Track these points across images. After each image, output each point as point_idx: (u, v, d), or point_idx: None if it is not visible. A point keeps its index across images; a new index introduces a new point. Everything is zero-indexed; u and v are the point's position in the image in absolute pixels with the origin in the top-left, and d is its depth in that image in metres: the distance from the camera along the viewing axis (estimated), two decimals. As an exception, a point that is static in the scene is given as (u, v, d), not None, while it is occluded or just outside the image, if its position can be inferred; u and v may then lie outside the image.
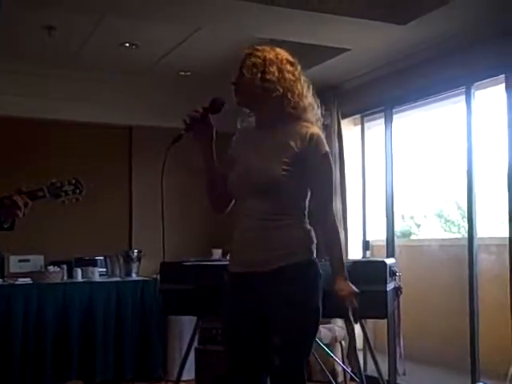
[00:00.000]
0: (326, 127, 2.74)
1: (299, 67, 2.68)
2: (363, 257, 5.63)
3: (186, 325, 5.51)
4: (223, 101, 2.62)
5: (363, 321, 4.19)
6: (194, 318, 4.17)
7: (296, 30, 4.51)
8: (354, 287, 2.58)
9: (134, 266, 6.08)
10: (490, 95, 4.99)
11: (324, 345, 4.58)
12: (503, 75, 4.48)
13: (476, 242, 4.79)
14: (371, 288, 3.62)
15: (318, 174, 2.58)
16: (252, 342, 2.60)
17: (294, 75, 2.63)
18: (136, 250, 6.16)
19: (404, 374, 4.72)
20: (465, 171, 4.84)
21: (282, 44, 5.00)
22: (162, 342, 5.85)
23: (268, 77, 2.57)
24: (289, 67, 2.63)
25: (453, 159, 5.80)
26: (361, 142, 6.07)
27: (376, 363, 4.14)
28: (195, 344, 4.20)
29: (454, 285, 5.39)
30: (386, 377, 4.80)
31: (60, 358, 5.48)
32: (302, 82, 2.66)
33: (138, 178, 6.59)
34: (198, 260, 4.39)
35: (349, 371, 5.02)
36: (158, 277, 4.29)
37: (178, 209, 6.47)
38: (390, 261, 3.94)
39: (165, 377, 5.72)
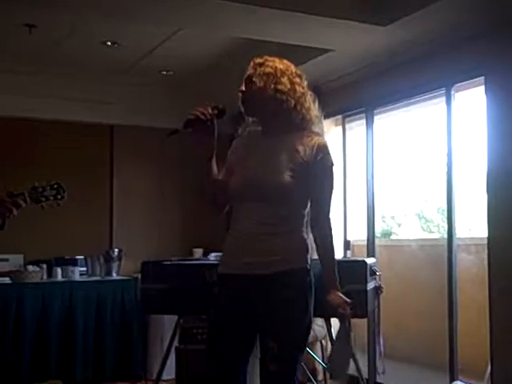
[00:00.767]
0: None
1: (305, 81, 2.71)
2: (344, 256, 5.66)
3: (166, 324, 5.50)
4: (225, 109, 2.63)
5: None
6: (175, 318, 4.17)
7: (279, 31, 4.52)
8: (346, 298, 2.63)
9: (115, 266, 6.06)
10: (469, 97, 5.04)
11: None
12: (483, 77, 4.53)
13: (455, 242, 4.83)
14: (352, 287, 3.63)
15: (322, 184, 2.62)
16: (237, 346, 2.60)
17: (303, 88, 2.67)
18: (116, 250, 6.14)
19: (384, 373, 4.75)
20: (445, 172, 4.88)
21: (264, 44, 5.05)
22: (143, 341, 5.84)
23: (280, 87, 2.60)
24: (298, 80, 2.67)
25: (433, 160, 5.85)
26: (342, 142, 6.10)
27: (356, 362, 4.16)
28: (176, 343, 4.20)
29: (433, 284, 5.43)
30: (365, 375, 4.83)
31: (39, 357, 5.45)
32: (309, 95, 2.69)
33: (119, 178, 6.57)
34: (178, 259, 4.38)
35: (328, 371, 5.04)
36: (139, 276, 4.28)
37: (158, 209, 6.47)
38: (370, 260, 3.96)
39: (145, 376, 5.71)
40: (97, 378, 5.65)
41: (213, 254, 4.46)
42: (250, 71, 2.64)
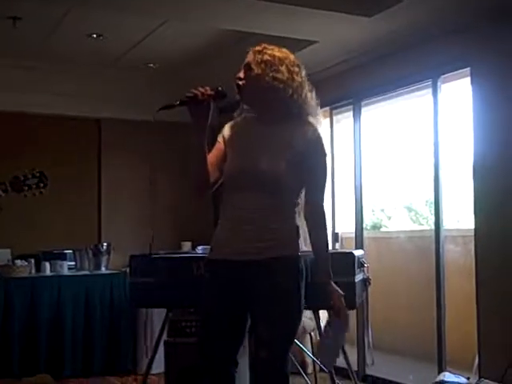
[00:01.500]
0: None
1: (303, 71, 2.69)
2: (332, 249, 5.67)
3: (155, 318, 5.49)
4: (225, 93, 2.59)
5: (331, 312, 4.21)
6: (164, 311, 4.17)
7: (264, 22, 4.51)
8: (339, 291, 2.68)
9: (104, 260, 6.04)
10: (455, 88, 5.05)
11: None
12: (468, 68, 4.54)
13: (443, 234, 4.85)
14: (340, 279, 3.60)
15: (316, 174, 2.63)
16: (228, 333, 2.61)
17: (301, 77, 2.65)
18: (105, 244, 6.11)
19: (373, 364, 4.79)
20: (432, 163, 4.90)
21: (249, 36, 5.04)
22: (132, 335, 5.83)
23: (278, 76, 2.58)
24: (296, 69, 2.65)
25: (420, 152, 5.87)
26: (330, 134, 6.09)
27: (345, 354, 4.17)
28: (164, 337, 4.19)
29: (421, 276, 5.46)
30: (354, 367, 4.85)
31: (28, 351, 5.43)
32: (307, 85, 2.68)
33: (107, 171, 6.55)
34: (166, 253, 4.37)
35: (318, 362, 5.05)
36: (128, 270, 4.26)
37: (147, 202, 6.44)
38: (358, 252, 3.96)
39: (134, 370, 5.70)
40: (86, 372, 5.64)
41: (200, 247, 4.45)
42: (248, 58, 2.63)
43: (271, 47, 2.65)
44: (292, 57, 2.68)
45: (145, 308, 5.45)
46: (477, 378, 4.12)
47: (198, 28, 5.10)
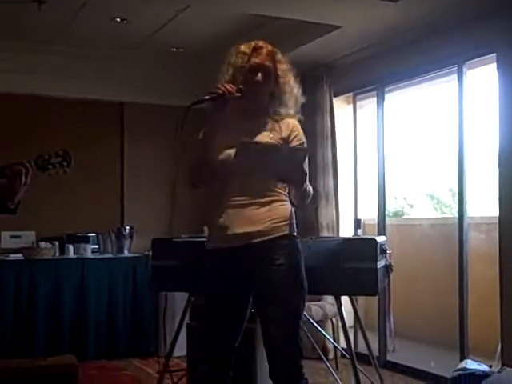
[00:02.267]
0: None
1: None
2: (354, 235, 5.66)
3: (177, 301, 5.53)
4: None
5: (354, 298, 4.22)
6: (186, 295, 4.19)
7: (287, 7, 4.48)
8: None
9: (126, 243, 6.09)
10: (481, 74, 4.99)
11: (315, 322, 4.61)
12: (494, 54, 4.48)
13: (466, 221, 4.81)
14: (362, 265, 3.64)
15: None
16: (233, 317, 2.73)
17: (296, 79, 2.84)
18: (128, 227, 6.16)
19: (394, 351, 4.78)
20: (456, 151, 4.85)
21: (273, 21, 5.01)
22: (154, 318, 5.88)
23: (290, 84, 2.81)
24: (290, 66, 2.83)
25: (444, 139, 5.81)
26: (353, 120, 6.07)
27: (366, 340, 4.17)
28: (187, 320, 4.22)
29: (444, 263, 5.43)
30: (376, 353, 4.85)
31: (52, 332, 5.51)
32: (295, 77, 2.84)
33: (130, 155, 6.58)
34: (189, 236, 4.39)
35: (339, 348, 5.06)
36: (150, 253, 4.29)
37: (169, 186, 6.45)
38: (380, 238, 3.95)
39: (157, 353, 5.75)
40: (109, 354, 5.71)
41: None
42: (266, 62, 2.73)
43: (280, 53, 2.82)
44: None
45: (167, 291, 5.49)
46: (499, 365, 4.10)
47: (222, 12, 5.08)
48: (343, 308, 3.98)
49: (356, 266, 3.57)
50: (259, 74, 2.71)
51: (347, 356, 4.19)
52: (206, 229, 6.33)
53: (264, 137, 2.73)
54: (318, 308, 5.06)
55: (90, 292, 5.70)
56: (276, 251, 2.66)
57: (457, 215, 4.92)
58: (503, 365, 4.05)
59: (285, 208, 2.74)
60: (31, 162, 2.60)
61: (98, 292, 5.74)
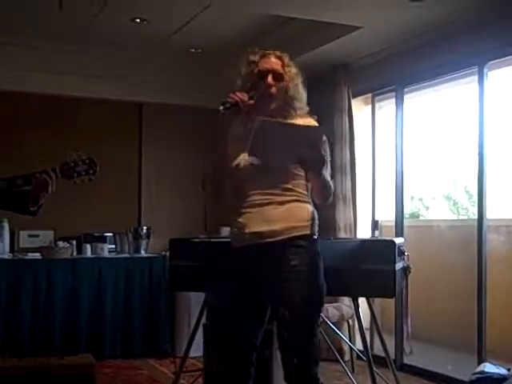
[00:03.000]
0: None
1: None
2: (372, 236, 5.64)
3: (193, 301, 5.54)
4: None
5: (371, 300, 4.20)
6: (202, 295, 4.20)
7: (307, 7, 4.47)
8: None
9: (143, 243, 6.11)
10: (503, 75, 4.94)
11: (331, 323, 4.60)
12: (517, 55, 4.44)
13: (486, 223, 4.77)
14: (380, 267, 3.62)
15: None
16: (250, 318, 2.71)
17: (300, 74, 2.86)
18: (145, 227, 6.18)
19: (411, 354, 4.74)
20: (476, 153, 4.81)
21: (292, 21, 5.00)
22: (171, 318, 5.89)
23: (298, 88, 2.83)
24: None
25: (463, 140, 5.77)
26: (371, 121, 6.04)
27: (383, 342, 4.15)
28: (203, 320, 4.22)
29: (462, 265, 5.38)
30: (392, 356, 4.82)
31: (69, 331, 5.53)
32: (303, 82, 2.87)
33: (148, 155, 6.60)
34: (206, 237, 4.40)
35: (356, 350, 5.04)
36: (167, 254, 4.30)
37: (187, 187, 6.47)
38: (398, 240, 3.93)
39: (173, 353, 5.76)
40: (125, 353, 5.73)
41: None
42: (276, 67, 2.77)
43: (288, 58, 2.84)
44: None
45: (184, 291, 5.50)
46: (518, 369, 4.06)
47: (241, 13, 5.08)
48: (360, 309, 3.97)
49: (374, 267, 3.56)
50: (269, 77, 2.74)
51: (364, 358, 4.17)
52: (222, 229, 6.36)
53: None
54: (334, 309, 5.04)
55: (107, 291, 5.72)
56: (291, 252, 2.64)
57: (474, 217, 4.88)
58: (522, 368, 4.00)
59: (304, 208, 2.72)
60: (56, 169, 2.61)
61: (114, 292, 5.76)
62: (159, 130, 6.59)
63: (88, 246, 5.87)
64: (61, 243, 5.77)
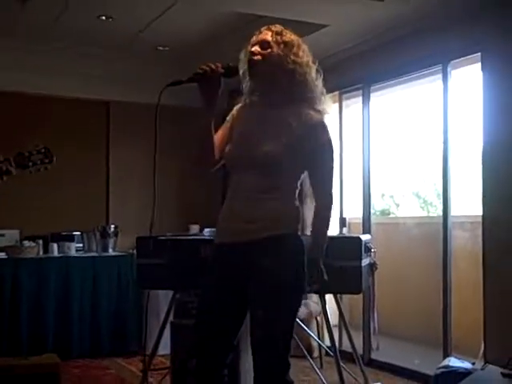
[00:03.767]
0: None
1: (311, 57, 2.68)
2: (340, 233, 5.68)
3: (161, 299, 5.52)
4: (237, 70, 2.59)
5: (338, 296, 4.23)
6: (171, 293, 4.19)
7: (274, 5, 4.49)
8: (325, 275, 2.64)
9: (111, 242, 6.06)
10: (466, 74, 5.01)
11: (300, 320, 4.62)
12: (479, 54, 4.50)
13: (450, 220, 4.84)
14: (346, 263, 3.65)
15: (318, 160, 2.59)
16: (227, 316, 2.60)
17: (313, 62, 2.65)
18: (113, 226, 6.14)
19: (378, 349, 4.79)
20: (441, 150, 4.88)
21: (258, 19, 5.00)
22: (138, 316, 5.86)
23: (297, 59, 2.58)
24: (309, 54, 2.65)
25: (430, 138, 5.84)
26: (339, 119, 6.08)
27: (350, 338, 4.18)
28: (171, 318, 4.21)
29: (428, 262, 5.46)
30: (360, 352, 4.87)
31: (36, 331, 5.47)
32: (316, 71, 2.66)
33: (116, 154, 6.57)
34: (174, 235, 4.39)
35: (324, 346, 5.07)
36: (135, 252, 4.28)
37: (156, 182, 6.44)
38: (365, 237, 3.96)
39: (141, 351, 5.73)
40: (93, 352, 5.69)
41: (207, 230, 4.47)
42: (265, 36, 2.59)
43: (288, 30, 2.64)
44: (304, 43, 2.67)
45: (151, 289, 5.48)
46: (482, 363, 4.13)
47: (208, 11, 5.07)
48: (327, 306, 4.00)
49: (340, 264, 3.58)
50: (255, 46, 2.56)
51: (331, 354, 4.20)
52: (191, 227, 6.36)
53: (277, 130, 2.56)
54: (302, 306, 5.06)
55: (74, 290, 5.67)
56: (267, 251, 2.51)
57: (441, 214, 4.95)
58: (486, 362, 4.07)
59: (287, 207, 2.59)
60: (10, 159, 2.57)
61: (82, 290, 5.71)
62: (127, 128, 6.56)
63: (55, 245, 5.81)
64: (27, 242, 5.71)
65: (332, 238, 3.90)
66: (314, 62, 2.64)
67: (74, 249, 5.89)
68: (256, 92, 2.67)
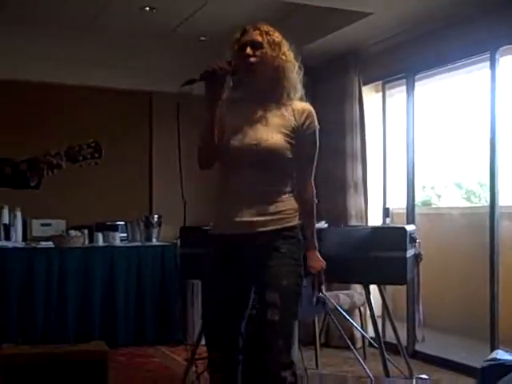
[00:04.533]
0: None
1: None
2: (383, 223, 5.63)
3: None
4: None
5: (382, 287, 4.20)
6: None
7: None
8: (323, 260, 2.77)
9: (155, 231, 6.12)
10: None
11: (343, 311, 4.60)
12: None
13: (498, 210, 4.75)
14: (391, 254, 3.62)
15: (310, 148, 2.72)
16: (234, 304, 2.67)
17: (296, 59, 2.75)
18: (156, 216, 6.19)
19: (423, 341, 4.74)
20: (488, 139, 4.78)
21: (302, 8, 4.97)
22: (182, 306, 5.91)
23: (288, 58, 2.70)
24: (293, 51, 2.76)
25: (475, 127, 5.74)
26: (382, 109, 6.01)
27: (395, 329, 4.15)
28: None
29: (474, 252, 5.37)
30: (404, 343, 4.82)
31: (82, 319, 5.57)
32: (297, 65, 2.76)
33: (159, 144, 6.60)
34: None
35: (368, 337, 5.05)
36: (178, 242, 4.31)
37: (198, 175, 6.47)
38: (410, 227, 3.92)
39: (185, 340, 5.79)
40: (138, 341, 5.76)
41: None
42: (256, 37, 2.68)
43: (272, 28, 2.73)
44: None
45: (195, 279, 5.52)
46: (530, 356, 4.05)
47: (249, 1, 5.06)
48: (371, 297, 3.97)
49: (385, 254, 3.56)
50: (248, 48, 2.66)
51: (375, 345, 4.18)
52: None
53: (274, 122, 2.66)
54: (346, 297, 5.04)
55: (119, 280, 5.75)
56: (276, 243, 2.62)
57: (485, 204, 4.86)
58: (534, 355, 3.99)
59: (289, 199, 2.68)
60: (61, 152, 2.60)
61: (126, 280, 5.79)
62: (169, 117, 6.56)
63: (100, 235, 5.90)
64: (73, 232, 5.80)
65: (377, 228, 3.90)
66: (296, 58, 2.75)
67: (118, 238, 5.96)
68: (247, 88, 2.74)
